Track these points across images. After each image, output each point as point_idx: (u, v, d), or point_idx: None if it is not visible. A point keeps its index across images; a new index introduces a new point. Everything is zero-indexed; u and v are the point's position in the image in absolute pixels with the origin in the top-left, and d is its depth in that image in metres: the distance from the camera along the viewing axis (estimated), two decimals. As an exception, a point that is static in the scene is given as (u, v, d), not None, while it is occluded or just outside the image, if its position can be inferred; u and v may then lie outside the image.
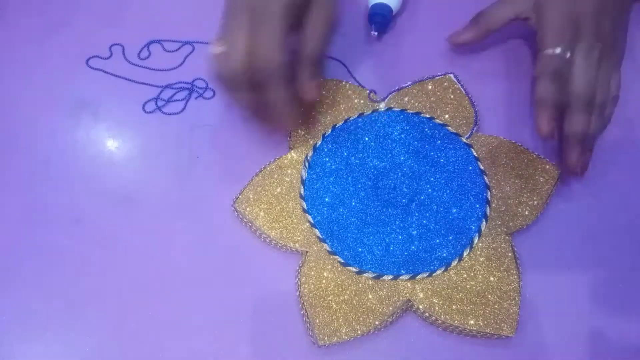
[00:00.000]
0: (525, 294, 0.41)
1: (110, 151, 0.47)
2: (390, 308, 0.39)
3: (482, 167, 0.43)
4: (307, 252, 0.41)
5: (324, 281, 0.40)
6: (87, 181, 0.46)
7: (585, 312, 0.40)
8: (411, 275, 0.40)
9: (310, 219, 0.42)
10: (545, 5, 0.43)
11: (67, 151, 0.47)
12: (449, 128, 0.45)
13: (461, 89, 0.46)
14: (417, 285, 0.40)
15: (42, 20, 0.53)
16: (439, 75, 0.47)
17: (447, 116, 0.45)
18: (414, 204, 0.42)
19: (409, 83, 0.47)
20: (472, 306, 0.39)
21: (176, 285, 0.42)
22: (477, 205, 0.42)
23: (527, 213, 0.42)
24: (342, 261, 0.41)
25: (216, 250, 0.43)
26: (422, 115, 0.45)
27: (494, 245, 0.41)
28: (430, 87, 0.46)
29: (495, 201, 0.42)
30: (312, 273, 0.40)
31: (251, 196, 0.43)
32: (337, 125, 0.46)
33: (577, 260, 0.42)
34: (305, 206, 0.42)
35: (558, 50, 0.41)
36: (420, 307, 0.39)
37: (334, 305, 0.39)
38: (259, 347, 0.40)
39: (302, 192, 0.43)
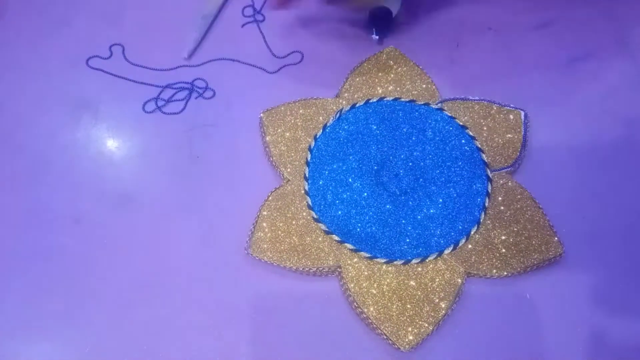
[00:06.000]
0: (526, 294, 0.41)
1: (110, 151, 0.47)
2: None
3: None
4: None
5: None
6: (87, 181, 0.46)
7: (585, 312, 0.40)
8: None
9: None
10: None
11: (67, 151, 0.47)
12: (476, 143, 0.45)
13: (522, 129, 0.45)
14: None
15: (42, 20, 0.53)
16: (509, 107, 0.46)
17: (486, 144, 0.45)
18: (417, 190, 0.43)
19: (476, 98, 0.46)
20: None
21: (176, 285, 0.42)
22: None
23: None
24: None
25: (216, 249, 0.43)
26: (456, 121, 0.45)
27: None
28: (492, 111, 0.46)
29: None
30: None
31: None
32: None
33: (577, 261, 0.42)
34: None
35: None
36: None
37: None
38: (259, 347, 0.40)
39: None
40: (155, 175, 0.46)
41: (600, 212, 0.43)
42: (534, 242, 0.41)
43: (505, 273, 0.40)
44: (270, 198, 0.43)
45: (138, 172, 0.46)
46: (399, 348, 0.38)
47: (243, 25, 0.52)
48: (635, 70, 0.48)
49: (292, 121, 0.46)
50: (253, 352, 0.40)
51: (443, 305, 0.39)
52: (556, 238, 0.41)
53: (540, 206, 0.42)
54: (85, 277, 0.42)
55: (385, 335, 0.39)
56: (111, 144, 0.48)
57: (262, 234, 0.42)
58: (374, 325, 0.39)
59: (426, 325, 0.39)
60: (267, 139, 0.45)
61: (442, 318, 0.39)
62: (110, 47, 0.51)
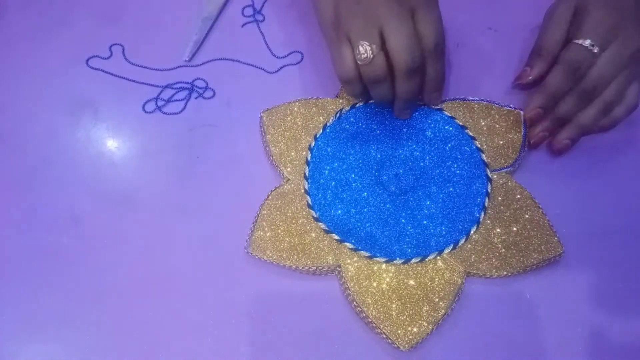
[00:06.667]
0: (526, 294, 0.41)
1: (110, 151, 0.47)
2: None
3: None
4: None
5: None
6: (87, 181, 0.46)
7: (585, 312, 0.40)
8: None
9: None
10: (588, 3, 0.43)
11: (67, 151, 0.47)
12: (476, 143, 0.45)
13: (523, 129, 0.45)
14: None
15: (42, 20, 0.53)
16: (509, 107, 0.46)
17: (485, 144, 0.45)
18: (417, 190, 0.43)
19: (476, 98, 0.46)
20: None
21: (176, 285, 0.42)
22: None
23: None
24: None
25: (215, 249, 0.43)
26: (456, 121, 0.45)
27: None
28: (492, 111, 0.46)
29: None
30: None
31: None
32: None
33: (577, 260, 0.42)
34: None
35: (586, 43, 0.41)
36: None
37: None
38: (259, 347, 0.40)
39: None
40: (155, 175, 0.46)
41: (600, 212, 0.43)
42: (533, 242, 0.41)
43: (504, 273, 0.40)
44: (270, 197, 0.43)
45: (138, 172, 0.46)
46: (399, 347, 0.38)
47: (243, 25, 0.52)
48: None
49: (292, 120, 0.46)
50: (253, 352, 0.40)
51: (442, 305, 0.39)
52: (556, 238, 0.41)
53: (540, 206, 0.42)
54: (85, 277, 0.42)
55: (385, 335, 0.39)
56: (111, 144, 0.48)
57: (261, 233, 0.42)
58: (374, 325, 0.39)
59: (425, 324, 0.39)
60: (267, 137, 0.45)
61: (442, 317, 0.39)
62: (110, 47, 0.51)
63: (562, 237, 0.41)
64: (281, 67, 0.50)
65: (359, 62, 0.40)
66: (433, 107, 0.46)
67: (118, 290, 0.42)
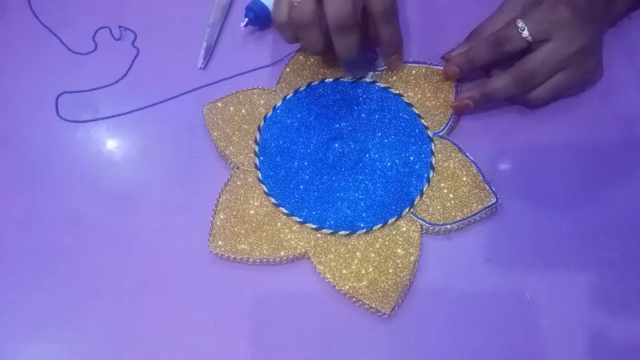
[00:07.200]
0: (526, 294, 0.41)
1: (110, 151, 0.47)
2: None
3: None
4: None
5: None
6: (87, 181, 0.46)
7: (585, 312, 0.40)
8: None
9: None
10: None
11: (67, 151, 0.47)
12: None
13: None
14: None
15: (42, 20, 0.53)
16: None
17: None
18: (359, 166, 0.44)
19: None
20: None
21: (176, 285, 0.42)
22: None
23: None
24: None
25: (216, 250, 0.43)
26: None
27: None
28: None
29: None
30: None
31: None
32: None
33: (577, 260, 0.42)
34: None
35: (520, 24, 0.41)
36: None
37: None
38: (259, 347, 0.40)
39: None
40: (155, 175, 0.46)
41: (600, 213, 0.43)
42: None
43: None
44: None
45: (138, 172, 0.46)
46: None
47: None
48: (633, 71, 0.48)
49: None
50: (253, 352, 0.40)
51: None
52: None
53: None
54: (85, 277, 0.42)
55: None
56: (111, 144, 0.48)
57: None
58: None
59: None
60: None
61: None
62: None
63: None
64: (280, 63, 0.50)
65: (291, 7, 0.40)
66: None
67: (118, 290, 0.42)
